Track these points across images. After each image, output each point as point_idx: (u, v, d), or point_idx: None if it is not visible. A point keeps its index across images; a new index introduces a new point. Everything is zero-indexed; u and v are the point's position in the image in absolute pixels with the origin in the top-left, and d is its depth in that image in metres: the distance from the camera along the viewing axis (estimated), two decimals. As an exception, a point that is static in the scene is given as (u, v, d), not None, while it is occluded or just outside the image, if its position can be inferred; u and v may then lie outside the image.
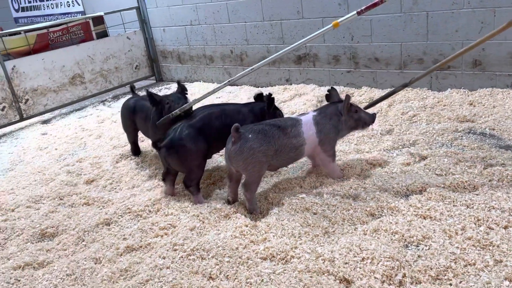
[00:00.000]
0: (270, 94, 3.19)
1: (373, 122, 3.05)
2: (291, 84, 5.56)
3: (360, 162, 3.24)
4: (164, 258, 2.42)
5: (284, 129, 2.79)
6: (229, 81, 3.14)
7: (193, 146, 2.94)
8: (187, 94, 3.42)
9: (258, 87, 5.82)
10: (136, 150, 4.04)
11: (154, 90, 6.54)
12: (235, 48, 5.96)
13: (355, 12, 2.83)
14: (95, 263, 2.49)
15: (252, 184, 2.76)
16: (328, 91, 3.14)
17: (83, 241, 2.76)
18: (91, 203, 3.25)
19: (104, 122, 5.31)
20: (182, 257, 2.40)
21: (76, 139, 4.81)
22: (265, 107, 3.18)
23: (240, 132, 2.69)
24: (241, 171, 2.77)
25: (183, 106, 3.12)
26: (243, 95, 5.48)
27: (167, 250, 2.48)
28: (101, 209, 3.14)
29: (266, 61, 3.15)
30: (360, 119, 3.00)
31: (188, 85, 6.42)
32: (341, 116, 2.94)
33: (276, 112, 3.22)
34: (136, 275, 2.33)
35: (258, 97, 3.29)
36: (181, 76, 6.85)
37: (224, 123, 3.02)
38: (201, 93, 5.87)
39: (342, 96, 3.05)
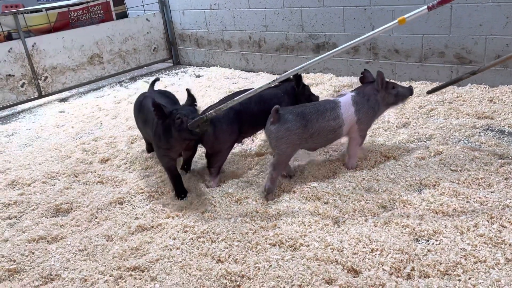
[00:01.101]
0: (296, 74, 3.24)
1: (411, 94, 3.11)
2: (308, 72, 5.51)
3: (374, 154, 3.22)
4: (174, 239, 2.46)
5: (323, 112, 2.84)
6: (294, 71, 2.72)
7: (228, 128, 2.99)
8: (196, 105, 2.93)
9: (275, 74, 5.78)
10: (150, 150, 3.64)
11: (170, 73, 6.57)
12: (253, 34, 5.93)
13: (425, 7, 2.59)
14: (107, 240, 2.54)
15: (280, 164, 2.82)
16: (361, 73, 3.17)
17: (96, 218, 2.81)
18: (105, 182, 3.30)
19: (121, 103, 5.35)
20: (192, 239, 2.43)
21: (93, 118, 4.87)
22: (294, 86, 3.26)
23: (280, 113, 2.76)
24: (273, 149, 2.85)
25: (220, 107, 2.75)
26: (260, 81, 5.46)
27: (178, 232, 2.51)
28: (114, 188, 3.19)
29: (331, 53, 2.73)
30: (398, 93, 3.06)
31: (205, 70, 6.47)
32: (378, 94, 2.98)
33: (305, 89, 3.30)
34: (146, 254, 2.37)
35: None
36: (198, 60, 6.85)
37: (261, 109, 3.02)
38: (217, 78, 5.89)
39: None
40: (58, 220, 2.82)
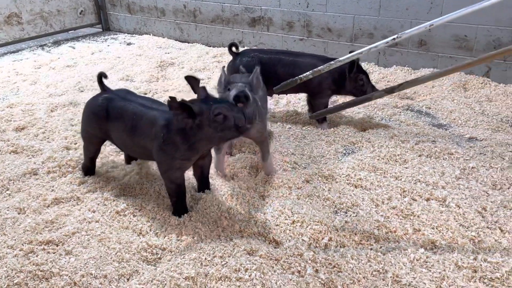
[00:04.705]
0: (357, 60, 3.14)
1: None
2: (243, 46, 5.45)
3: (300, 130, 3.28)
4: (93, 212, 2.35)
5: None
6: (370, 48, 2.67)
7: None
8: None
9: (210, 46, 5.66)
10: (91, 169, 2.75)
11: (99, 40, 6.20)
12: (188, 3, 5.72)
13: None
14: (19, 213, 2.37)
15: None
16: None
17: (7, 190, 2.61)
18: (20, 152, 3.06)
19: (42, 68, 4.96)
20: (112, 212, 2.34)
21: (8, 83, 4.47)
22: (346, 69, 3.17)
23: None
24: None
25: (312, 71, 2.88)
26: (193, 53, 5.32)
27: (98, 205, 2.41)
28: (30, 158, 2.97)
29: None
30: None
31: (136, 38, 6.18)
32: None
33: (358, 77, 3.18)
34: (62, 227, 2.25)
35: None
36: (129, 27, 6.51)
37: (289, 73, 2.96)
38: (149, 47, 5.65)
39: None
40: (-37, 192, 2.58)
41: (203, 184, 2.53)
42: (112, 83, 4.33)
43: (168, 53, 5.38)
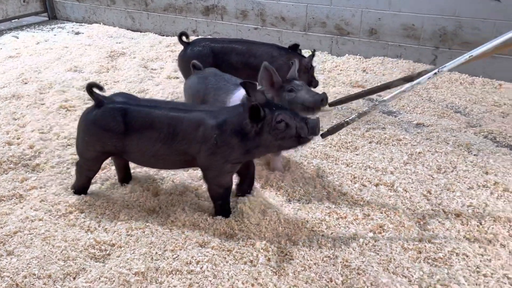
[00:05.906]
0: (313, 51, 3.19)
1: None
2: (197, 36, 5.35)
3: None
4: (37, 210, 2.24)
5: (218, 89, 2.56)
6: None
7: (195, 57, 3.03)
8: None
9: (164, 35, 5.53)
10: (87, 188, 2.42)
11: (45, 29, 5.91)
12: (139, -10, 5.55)
13: None
14: (-46, 215, 2.23)
15: None
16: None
17: None
18: (-44, 149, 2.87)
19: (-18, 59, 4.67)
20: (57, 210, 2.24)
21: None
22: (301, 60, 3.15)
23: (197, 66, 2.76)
24: None
25: (358, 113, 2.34)
26: (146, 42, 5.18)
27: (41, 202, 2.30)
28: (-33, 155, 2.79)
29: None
30: None
31: (85, 27, 5.94)
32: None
33: (311, 69, 3.18)
34: (3, 226, 2.13)
35: (294, 47, 3.23)
36: (78, 16, 6.24)
37: (243, 61, 2.99)
38: (99, 36, 5.45)
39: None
40: None
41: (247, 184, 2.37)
42: (59, 75, 4.14)
43: (119, 42, 5.20)
